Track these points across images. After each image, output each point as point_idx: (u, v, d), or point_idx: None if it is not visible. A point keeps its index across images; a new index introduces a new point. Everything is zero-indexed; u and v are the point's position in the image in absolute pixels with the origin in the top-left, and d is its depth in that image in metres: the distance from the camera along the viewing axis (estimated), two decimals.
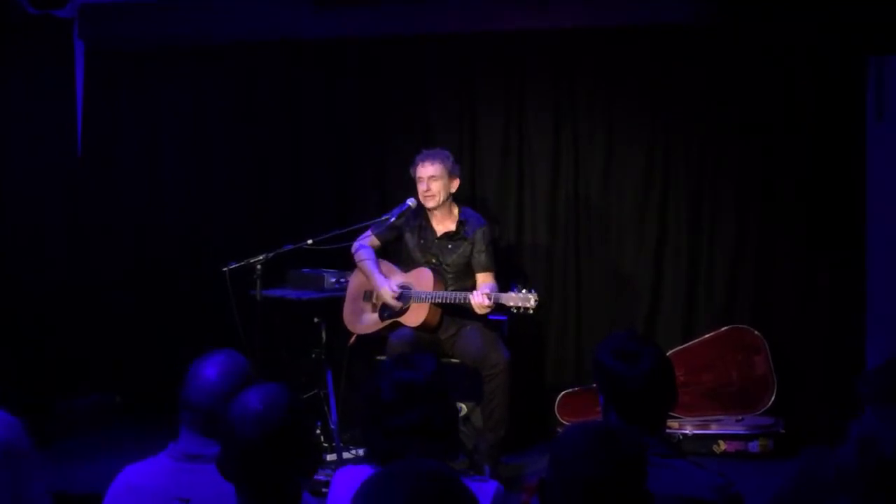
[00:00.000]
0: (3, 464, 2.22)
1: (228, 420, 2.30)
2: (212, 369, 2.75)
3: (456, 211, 5.45)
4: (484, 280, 5.34)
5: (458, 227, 5.41)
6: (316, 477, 2.61)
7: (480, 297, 5.01)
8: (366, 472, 2.54)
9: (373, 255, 5.50)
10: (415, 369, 2.64)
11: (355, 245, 5.52)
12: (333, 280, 5.78)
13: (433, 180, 5.32)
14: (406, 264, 5.51)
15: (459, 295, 5.16)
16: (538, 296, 4.95)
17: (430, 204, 5.37)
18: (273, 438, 2.26)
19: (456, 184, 5.40)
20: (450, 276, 5.38)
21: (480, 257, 5.38)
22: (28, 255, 6.48)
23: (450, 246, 5.41)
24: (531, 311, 4.97)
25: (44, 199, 6.64)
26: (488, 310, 5.08)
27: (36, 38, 6.52)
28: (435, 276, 5.31)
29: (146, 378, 6.51)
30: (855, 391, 5.54)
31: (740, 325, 5.96)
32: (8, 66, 6.37)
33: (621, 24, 6.07)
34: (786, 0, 5.76)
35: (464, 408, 5.48)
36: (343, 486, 2.72)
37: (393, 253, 5.65)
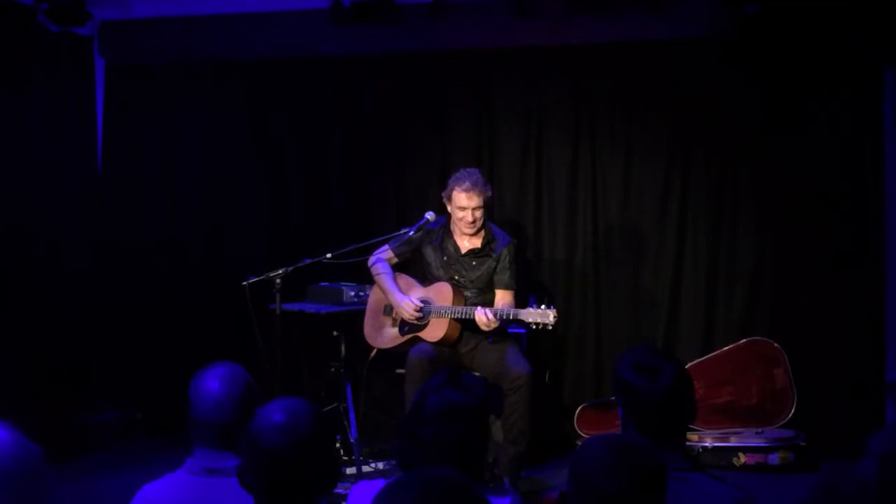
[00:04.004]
0: (7, 497, 2.13)
1: (252, 431, 2.31)
2: (214, 383, 2.77)
3: (483, 229, 5.45)
4: (501, 298, 5.34)
5: (484, 245, 5.40)
6: (334, 490, 2.61)
7: (483, 314, 5.02)
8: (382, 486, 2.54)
9: (389, 270, 5.49)
10: (465, 392, 2.60)
11: (372, 259, 5.51)
12: (352, 294, 5.79)
13: (478, 210, 5.28)
14: (426, 279, 5.51)
15: (466, 309, 5.16)
16: (556, 311, 4.95)
17: (470, 231, 5.35)
18: (298, 449, 2.27)
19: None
20: (472, 291, 5.38)
21: (503, 276, 5.37)
22: (49, 270, 6.50)
23: (474, 263, 5.40)
24: (550, 328, 4.97)
25: (64, 215, 6.66)
26: (492, 327, 5.07)
27: (57, 55, 6.57)
28: (454, 291, 5.31)
29: (166, 394, 6.53)
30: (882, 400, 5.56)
31: (759, 338, 5.94)
32: (29, 82, 6.41)
33: (638, 39, 6.08)
34: (802, 13, 5.75)
35: None
36: (359, 500, 2.72)
37: (416, 269, 5.65)
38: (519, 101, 6.37)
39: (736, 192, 6.10)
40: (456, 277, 5.39)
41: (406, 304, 5.33)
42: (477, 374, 5.29)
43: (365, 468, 5.47)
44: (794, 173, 5.99)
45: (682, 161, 6.16)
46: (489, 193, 5.34)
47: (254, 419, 2.35)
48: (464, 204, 5.26)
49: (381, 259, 5.51)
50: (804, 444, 5.64)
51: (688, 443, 5.54)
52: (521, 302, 5.29)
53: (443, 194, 5.39)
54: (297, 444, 2.28)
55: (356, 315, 5.69)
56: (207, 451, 2.74)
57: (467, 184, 5.25)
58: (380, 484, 2.67)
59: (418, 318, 5.31)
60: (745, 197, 6.08)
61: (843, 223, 5.92)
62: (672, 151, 6.17)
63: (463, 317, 5.18)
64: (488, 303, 5.29)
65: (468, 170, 5.39)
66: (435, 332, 5.27)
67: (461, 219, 5.30)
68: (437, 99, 6.50)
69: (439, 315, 5.27)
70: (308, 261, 5.28)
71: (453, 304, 5.25)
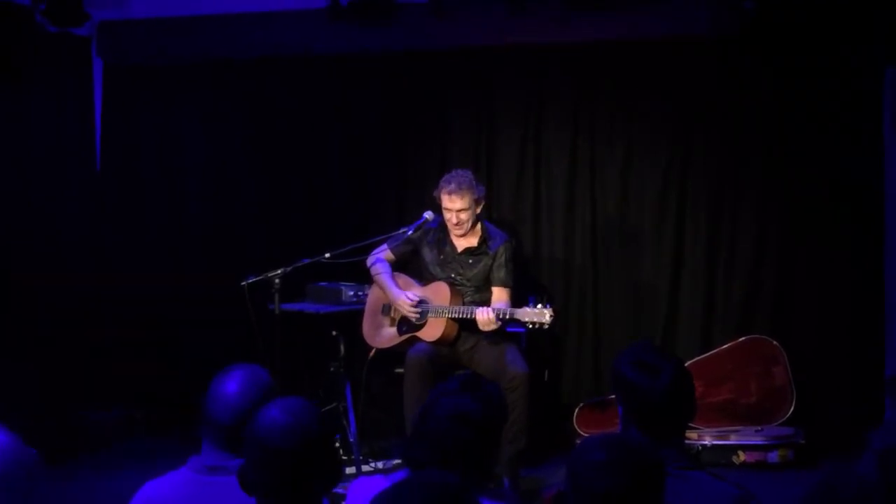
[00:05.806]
0: (4, 498, 2.07)
1: (254, 431, 2.31)
2: (232, 385, 2.75)
3: (479, 227, 5.44)
4: (498, 296, 5.34)
5: (480, 243, 5.40)
6: (335, 490, 2.61)
7: (485, 314, 5.01)
8: (381, 483, 2.54)
9: (388, 269, 5.50)
10: (479, 399, 2.57)
11: (371, 259, 5.51)
12: (351, 293, 5.79)
13: (462, 212, 5.28)
14: (423, 279, 5.51)
15: (466, 309, 5.16)
16: (553, 310, 4.95)
17: (458, 233, 5.37)
18: (302, 448, 2.27)
19: (481, 205, 5.39)
20: (469, 290, 5.38)
21: (499, 273, 5.37)
22: (49, 268, 6.50)
23: (470, 261, 5.40)
24: (546, 327, 4.97)
25: (64, 214, 6.67)
26: (492, 327, 5.07)
27: (55, 55, 6.57)
28: (452, 290, 5.31)
29: (166, 392, 6.52)
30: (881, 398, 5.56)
31: (759, 336, 5.94)
32: (27, 83, 6.40)
33: (638, 37, 6.07)
34: (803, 12, 5.75)
35: None
36: (359, 497, 2.72)
37: (414, 269, 5.65)
38: (518, 99, 6.36)
39: (735, 190, 6.09)
40: (453, 276, 5.40)
41: (403, 300, 5.33)
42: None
43: (364, 467, 5.46)
44: (793, 171, 5.98)
45: (682, 159, 6.15)
46: (477, 195, 5.33)
47: (255, 420, 2.35)
48: (447, 206, 5.28)
49: (381, 258, 5.52)
50: (804, 442, 5.64)
51: (687, 441, 5.55)
52: (519, 301, 5.29)
53: (434, 194, 5.40)
54: (302, 443, 2.28)
55: (355, 315, 5.69)
56: (214, 450, 2.73)
57: (452, 185, 5.25)
58: (378, 481, 2.67)
59: (415, 315, 5.32)
60: (745, 195, 6.07)
61: (842, 221, 5.91)
62: (671, 150, 6.15)
63: (461, 316, 5.18)
64: (486, 301, 5.29)
65: (459, 171, 5.39)
66: (433, 331, 5.27)
67: (448, 220, 5.33)
68: (436, 97, 6.49)
69: (437, 314, 5.27)
70: (307, 261, 5.27)
71: (451, 303, 5.26)
